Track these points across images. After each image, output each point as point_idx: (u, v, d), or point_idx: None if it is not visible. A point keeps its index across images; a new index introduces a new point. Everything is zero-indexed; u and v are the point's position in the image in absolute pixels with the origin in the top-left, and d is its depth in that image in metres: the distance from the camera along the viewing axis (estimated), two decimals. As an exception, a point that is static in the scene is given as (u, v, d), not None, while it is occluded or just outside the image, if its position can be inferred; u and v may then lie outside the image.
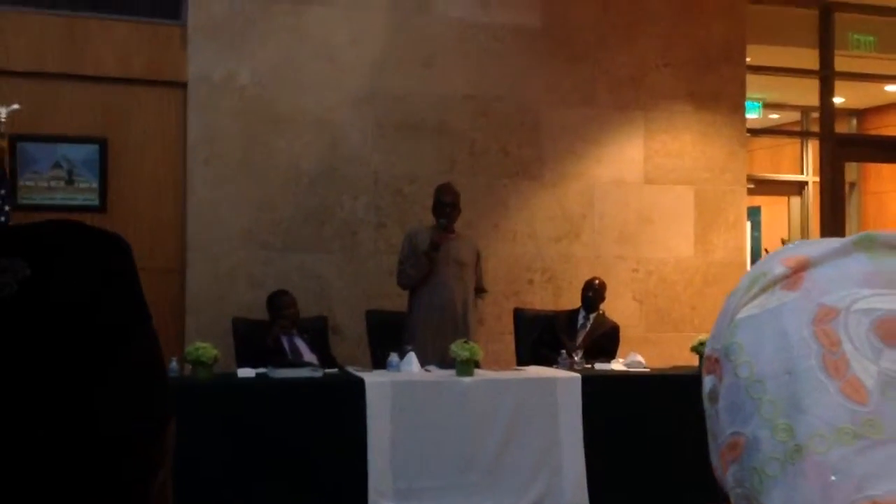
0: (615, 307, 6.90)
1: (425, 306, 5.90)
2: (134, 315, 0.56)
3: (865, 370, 0.54)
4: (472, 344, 5.42)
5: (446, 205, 5.93)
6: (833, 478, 0.52)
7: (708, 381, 0.61)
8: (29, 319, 0.51)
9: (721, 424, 0.59)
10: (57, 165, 6.31)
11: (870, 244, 0.59)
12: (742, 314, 0.59)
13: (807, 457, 0.53)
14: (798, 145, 9.69)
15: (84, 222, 0.59)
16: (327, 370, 5.39)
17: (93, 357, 0.52)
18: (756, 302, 0.59)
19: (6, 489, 0.50)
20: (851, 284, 0.57)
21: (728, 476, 0.58)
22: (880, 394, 0.53)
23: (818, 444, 0.53)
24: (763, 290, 0.59)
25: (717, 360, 0.60)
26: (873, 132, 10.15)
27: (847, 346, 0.55)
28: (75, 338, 0.52)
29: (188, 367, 5.10)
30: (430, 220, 6.04)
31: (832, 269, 0.58)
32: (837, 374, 0.54)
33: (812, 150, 9.26)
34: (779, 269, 0.59)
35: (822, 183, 8.54)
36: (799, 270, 0.59)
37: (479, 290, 6.17)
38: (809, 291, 0.57)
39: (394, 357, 5.50)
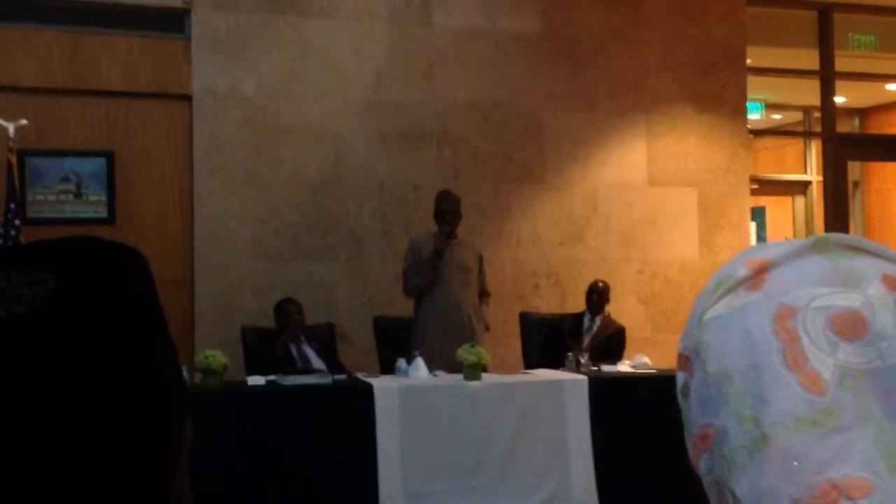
0: (621, 309, 6.93)
1: (431, 312, 5.94)
2: (152, 321, 0.60)
3: (822, 363, 0.58)
4: (479, 348, 5.45)
5: (447, 212, 5.98)
6: (795, 463, 0.57)
7: (680, 377, 0.66)
8: (58, 329, 0.55)
9: (693, 417, 0.64)
10: (65, 179, 6.37)
11: (824, 246, 0.63)
12: (709, 314, 0.64)
13: (771, 444, 0.58)
14: (801, 145, 9.72)
15: (103, 237, 0.63)
16: (336, 376, 5.43)
17: (117, 361, 0.56)
18: (722, 302, 0.64)
19: (38, 488, 0.53)
20: (808, 284, 0.61)
21: (700, 464, 0.63)
22: (837, 385, 0.58)
23: (781, 432, 0.58)
24: (728, 291, 0.64)
25: (687, 358, 0.65)
26: (875, 131, 10.17)
27: (805, 342, 0.59)
28: (100, 344, 0.55)
29: (198, 376, 5.14)
30: (434, 226, 6.08)
31: (790, 271, 0.62)
32: (797, 368, 0.59)
33: (815, 150, 9.28)
34: (742, 272, 0.64)
35: (825, 182, 8.56)
36: (760, 272, 0.63)
37: (483, 294, 6.21)
38: (770, 291, 0.62)
39: (402, 362, 5.53)
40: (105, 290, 0.57)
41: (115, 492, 0.55)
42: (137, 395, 0.56)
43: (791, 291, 0.61)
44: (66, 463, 0.53)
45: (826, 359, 0.58)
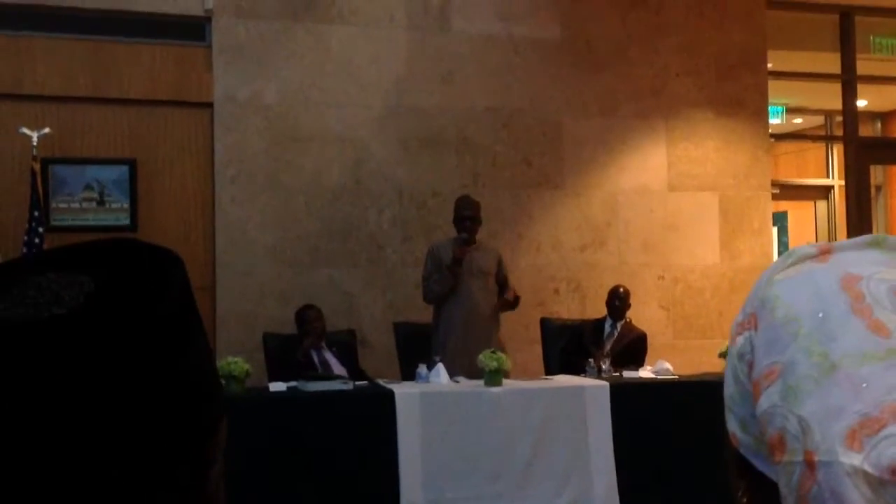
0: (642, 315, 6.90)
1: (452, 318, 5.93)
2: (189, 321, 0.60)
3: (886, 318, 0.63)
4: (500, 354, 5.44)
5: (466, 218, 5.96)
6: (864, 384, 0.60)
7: (741, 340, 0.68)
8: (97, 329, 0.55)
9: (756, 364, 0.66)
10: (88, 187, 6.42)
11: (880, 244, 0.69)
12: (777, 277, 0.69)
13: (839, 371, 0.61)
14: (823, 149, 9.65)
15: (138, 239, 0.64)
16: (357, 383, 5.44)
17: (155, 361, 0.56)
18: (789, 270, 0.69)
19: (76, 487, 0.54)
20: (870, 265, 0.66)
21: (761, 401, 0.65)
22: None
23: (850, 362, 0.61)
24: (795, 262, 0.69)
25: (752, 315, 0.68)
26: (898, 135, 10.09)
27: (869, 300, 0.64)
28: (139, 344, 0.56)
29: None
30: (454, 232, 6.08)
31: (852, 254, 0.68)
32: (863, 316, 0.63)
33: (837, 154, 9.22)
34: (809, 250, 0.70)
35: (847, 186, 8.50)
36: (826, 253, 0.69)
37: (506, 286, 6.01)
38: (836, 264, 0.67)
39: (422, 368, 5.53)
40: (142, 292, 0.58)
41: (152, 490, 0.56)
42: (175, 396, 0.57)
43: (856, 265, 0.66)
44: (105, 462, 0.54)
45: (890, 315, 0.62)
